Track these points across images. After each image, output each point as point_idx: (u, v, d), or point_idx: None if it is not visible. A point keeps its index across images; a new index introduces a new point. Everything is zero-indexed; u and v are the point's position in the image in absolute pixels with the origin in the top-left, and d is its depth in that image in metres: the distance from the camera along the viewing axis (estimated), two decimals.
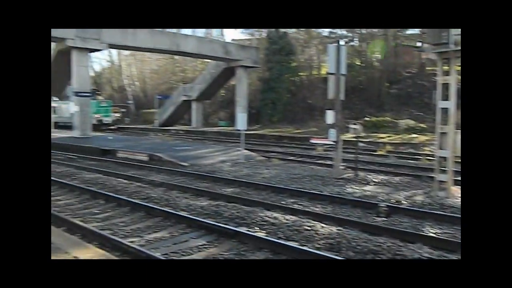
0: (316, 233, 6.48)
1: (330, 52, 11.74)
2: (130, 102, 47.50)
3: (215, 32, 45.09)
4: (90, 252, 4.86)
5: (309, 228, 6.70)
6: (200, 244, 6.28)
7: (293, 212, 7.93)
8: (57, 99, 38.34)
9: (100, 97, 40.76)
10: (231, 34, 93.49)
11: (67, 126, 36.89)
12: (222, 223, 7.08)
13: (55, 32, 22.50)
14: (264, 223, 7.17)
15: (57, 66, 25.49)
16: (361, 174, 12.15)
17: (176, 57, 43.50)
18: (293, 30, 38.59)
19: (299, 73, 36.92)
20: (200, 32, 41.28)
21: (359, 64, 35.61)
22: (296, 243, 6.14)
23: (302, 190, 9.86)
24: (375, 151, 19.02)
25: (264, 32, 38.92)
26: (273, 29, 35.99)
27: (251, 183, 10.77)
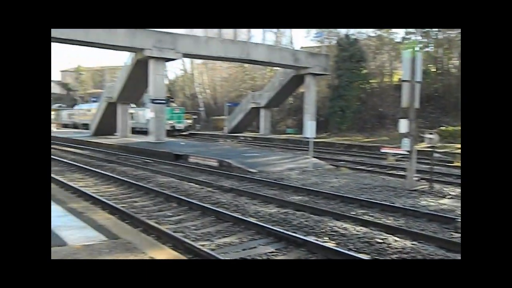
0: (389, 247, 6.22)
1: (404, 58, 11.32)
2: (201, 109, 49.15)
3: (284, 40, 45.38)
4: (164, 253, 5.04)
5: (381, 241, 6.45)
6: (269, 251, 6.28)
7: (364, 223, 7.69)
8: (134, 106, 40.69)
9: (173, 104, 42.67)
10: (300, 42, 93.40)
11: (143, 131, 39.06)
12: (291, 231, 7.04)
13: (134, 43, 23.92)
14: (334, 233, 7.02)
15: (134, 74, 27.08)
16: (437, 186, 11.52)
17: (246, 65, 44.33)
18: (364, 36, 37.76)
19: (370, 80, 35.96)
20: (270, 40, 41.75)
21: (435, 71, 33.95)
22: (368, 256, 5.96)
23: (373, 201, 9.55)
24: (451, 162, 17.96)
25: (334, 39, 38.46)
26: (343, 36, 35.46)
27: (320, 192, 10.63)
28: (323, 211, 8.60)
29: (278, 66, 34.76)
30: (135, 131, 39.39)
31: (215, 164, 16.30)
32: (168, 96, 37.55)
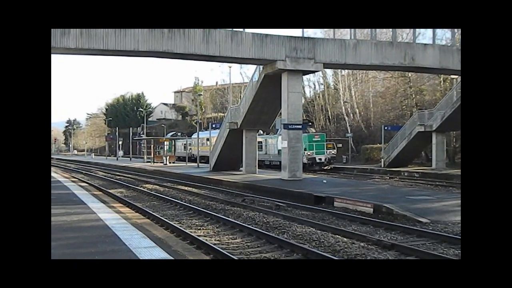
0: None
1: None
2: (348, 135, 49.19)
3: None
4: None
5: None
6: None
7: None
8: (262, 133, 42.49)
9: (312, 130, 43.58)
10: None
11: (274, 165, 40.47)
12: None
13: (263, 53, 25.13)
14: None
15: (263, 93, 28.39)
16: None
17: (409, 74, 43.32)
18: None
19: None
20: (441, 40, 40.30)
21: None
22: None
23: None
24: None
25: None
26: None
27: None
28: None
29: (456, 74, 33.24)
30: (264, 164, 41.04)
31: (369, 209, 16.05)
32: (305, 120, 38.52)
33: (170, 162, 49.99)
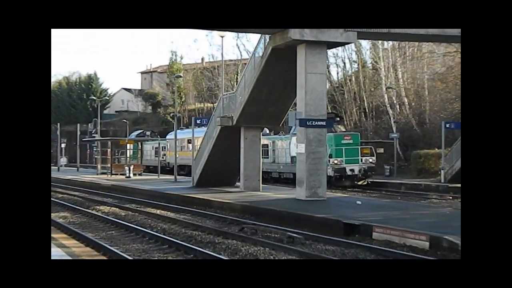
0: None
1: None
2: (393, 135, 48.88)
3: None
4: None
5: None
6: None
7: None
8: (268, 132, 42.24)
9: (340, 128, 43.21)
10: None
11: (284, 179, 40.16)
12: None
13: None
14: None
15: (269, 76, 28.27)
16: None
17: None
18: None
19: None
20: None
21: None
22: None
23: None
24: None
25: None
26: None
27: None
28: None
29: None
30: (270, 177, 40.81)
31: (423, 244, 15.99)
32: (331, 113, 38.31)
33: (135, 174, 49.77)
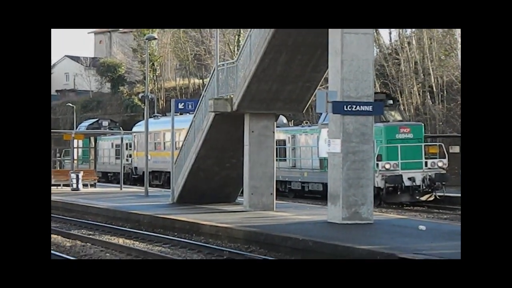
0: None
1: None
2: None
3: None
4: None
5: None
6: None
7: None
8: (286, 121, 42.02)
9: (394, 115, 42.92)
10: None
11: (310, 192, 40.03)
12: None
13: None
14: None
15: (288, 39, 28.20)
16: None
17: None
18: None
19: None
20: None
21: None
22: None
23: None
24: None
25: None
26: None
27: None
28: None
29: None
30: (289, 189, 40.65)
31: None
32: (381, 93, 38.03)
33: (86, 185, 49.74)
